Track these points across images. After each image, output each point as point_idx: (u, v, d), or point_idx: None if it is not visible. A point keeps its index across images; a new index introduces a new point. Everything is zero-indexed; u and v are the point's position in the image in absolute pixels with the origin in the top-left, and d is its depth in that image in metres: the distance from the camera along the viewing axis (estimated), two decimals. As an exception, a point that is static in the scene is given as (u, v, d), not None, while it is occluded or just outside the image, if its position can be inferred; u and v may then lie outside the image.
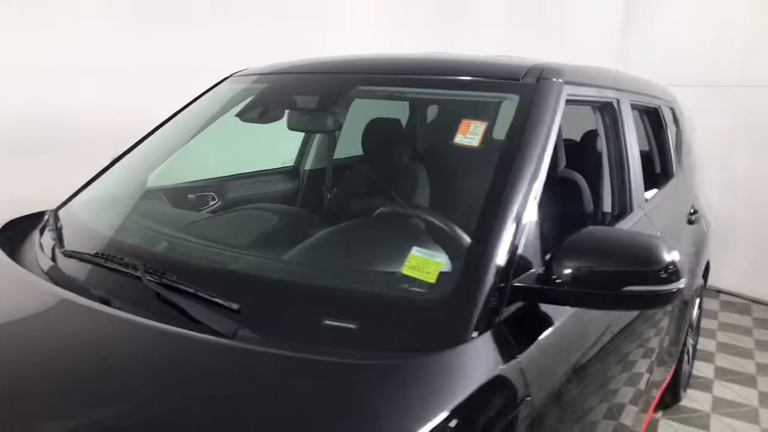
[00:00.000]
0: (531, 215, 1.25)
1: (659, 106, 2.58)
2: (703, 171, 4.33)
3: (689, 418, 2.81)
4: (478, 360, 1.03)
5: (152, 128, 1.96)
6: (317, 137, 2.73)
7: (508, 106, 1.47)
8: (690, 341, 2.99)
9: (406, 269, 1.15)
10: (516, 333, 1.13)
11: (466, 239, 1.26)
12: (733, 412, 2.87)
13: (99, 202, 1.71)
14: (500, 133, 1.47)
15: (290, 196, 2.63)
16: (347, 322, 1.08)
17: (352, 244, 1.42)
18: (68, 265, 1.35)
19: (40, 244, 1.50)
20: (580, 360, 1.29)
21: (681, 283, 1.16)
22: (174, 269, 1.21)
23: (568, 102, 1.59)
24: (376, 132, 2.17)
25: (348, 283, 1.19)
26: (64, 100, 2.36)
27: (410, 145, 2.29)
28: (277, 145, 2.46)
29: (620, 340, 1.57)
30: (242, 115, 1.76)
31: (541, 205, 1.32)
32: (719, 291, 4.55)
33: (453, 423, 0.91)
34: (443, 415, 0.90)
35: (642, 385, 1.87)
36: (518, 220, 1.21)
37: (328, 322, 1.09)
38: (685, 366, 2.94)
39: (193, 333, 1.05)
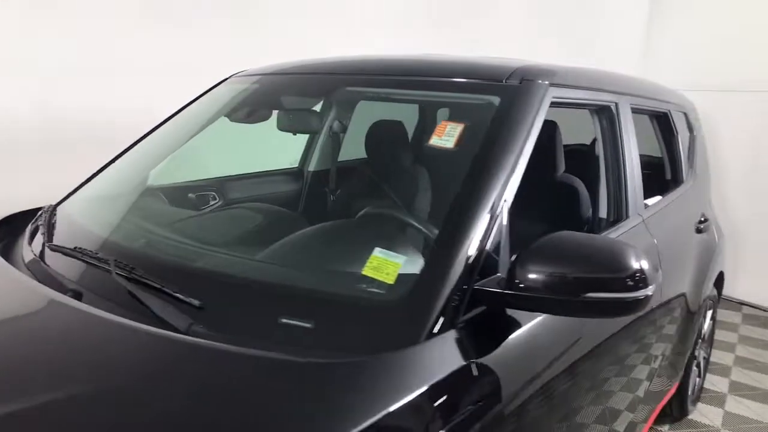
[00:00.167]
0: (501, 219, 1.23)
1: (669, 111, 2.51)
2: (729, 178, 4.21)
3: (697, 433, 2.73)
4: (429, 362, 1.01)
5: (150, 128, 2.00)
6: (321, 139, 2.75)
7: (489, 108, 1.45)
8: (701, 353, 2.90)
9: (367, 270, 1.15)
10: (476, 337, 1.11)
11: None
12: (744, 428, 2.77)
13: (92, 200, 1.75)
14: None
15: (293, 197, 2.65)
16: (303, 321, 1.09)
17: (321, 245, 1.42)
18: (49, 260, 1.39)
19: (28, 239, 1.55)
20: (554, 368, 1.27)
21: (648, 291, 1.12)
22: (145, 265, 1.23)
23: (555, 105, 1.56)
24: (379, 134, 2.17)
25: (307, 282, 1.20)
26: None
27: (413, 148, 2.29)
28: (273, 146, 2.48)
29: (605, 350, 1.54)
30: (230, 116, 1.78)
31: (519, 209, 1.29)
32: (742, 303, 4.40)
33: (393, 423, 0.90)
34: (383, 414, 0.90)
35: (633, 399, 1.82)
36: (485, 224, 1.19)
37: (285, 320, 1.09)
38: (695, 379, 2.85)
39: (153, 329, 1.06)
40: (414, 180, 2.07)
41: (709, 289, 2.64)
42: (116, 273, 1.22)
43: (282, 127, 1.88)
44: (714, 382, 3.20)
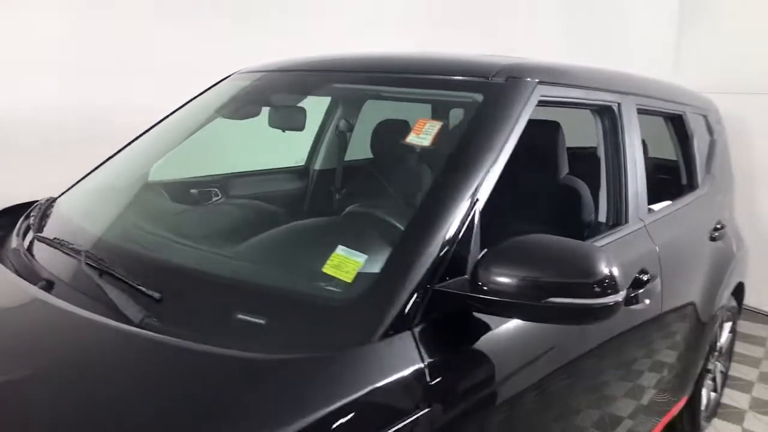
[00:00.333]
0: (472, 219, 1.19)
1: (684, 113, 2.41)
2: (762, 183, 4.02)
3: (710, 449, 2.61)
4: (378, 363, 0.99)
5: (152, 125, 2.03)
6: (327, 137, 2.75)
7: (472, 106, 1.41)
8: (718, 367, 2.77)
9: (327, 267, 1.13)
10: (433, 340, 1.07)
11: None
12: (761, 447, 2.64)
13: (85, 193, 1.78)
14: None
15: (298, 195, 2.65)
16: (258, 318, 1.08)
17: (292, 243, 1.41)
18: (30, 251, 1.42)
19: (17, 231, 1.58)
20: (520, 379, 1.22)
21: (618, 297, 1.07)
22: (115, 257, 1.24)
23: (545, 104, 1.51)
24: (384, 134, 2.15)
25: (266, 279, 1.18)
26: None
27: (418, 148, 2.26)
28: (273, 144, 2.48)
29: (586, 362, 1.47)
30: (220, 111, 1.79)
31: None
32: (773, 316, 4.20)
33: (335, 421, 0.89)
34: (325, 413, 0.89)
35: (624, 412, 1.74)
36: (452, 224, 1.16)
37: (240, 316, 1.09)
38: (710, 393, 2.73)
39: (109, 321, 1.07)
40: (419, 180, 2.04)
41: (725, 300, 2.52)
42: (86, 263, 1.23)
43: (272, 124, 1.88)
44: (734, 398, 3.06)
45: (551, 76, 1.54)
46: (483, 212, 1.15)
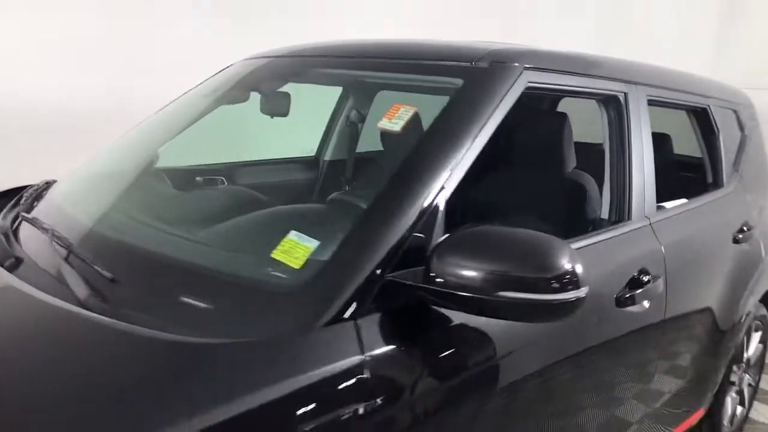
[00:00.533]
0: (436, 209, 1.13)
1: (709, 106, 2.25)
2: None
3: (733, 466, 2.44)
4: (316, 352, 0.95)
5: (153, 112, 2.04)
6: (338, 127, 2.72)
7: (449, 92, 1.35)
8: (745, 379, 2.59)
9: (276, 253, 1.10)
10: (380, 331, 1.02)
11: None
12: (790, 467, 2.45)
13: (80, 179, 1.80)
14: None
15: (308, 185, 2.63)
16: (204, 302, 1.05)
17: (254, 229, 1.38)
18: (13, 233, 1.44)
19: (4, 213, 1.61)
20: (484, 379, 1.15)
21: (580, 293, 0.99)
22: (86, 238, 1.25)
23: (534, 90, 1.43)
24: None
25: (216, 263, 1.15)
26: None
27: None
28: (275, 133, 2.47)
29: (571, 362, 1.39)
30: (227, 98, 1.78)
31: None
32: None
33: (269, 406, 0.88)
34: (256, 401, 0.87)
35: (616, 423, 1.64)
36: (411, 212, 1.10)
37: (185, 299, 1.07)
38: (736, 407, 2.55)
39: (58, 301, 1.06)
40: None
41: (751, 307, 2.35)
42: (54, 242, 1.24)
43: (263, 110, 1.87)
44: (764, 413, 2.86)
45: (539, 61, 1.45)
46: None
